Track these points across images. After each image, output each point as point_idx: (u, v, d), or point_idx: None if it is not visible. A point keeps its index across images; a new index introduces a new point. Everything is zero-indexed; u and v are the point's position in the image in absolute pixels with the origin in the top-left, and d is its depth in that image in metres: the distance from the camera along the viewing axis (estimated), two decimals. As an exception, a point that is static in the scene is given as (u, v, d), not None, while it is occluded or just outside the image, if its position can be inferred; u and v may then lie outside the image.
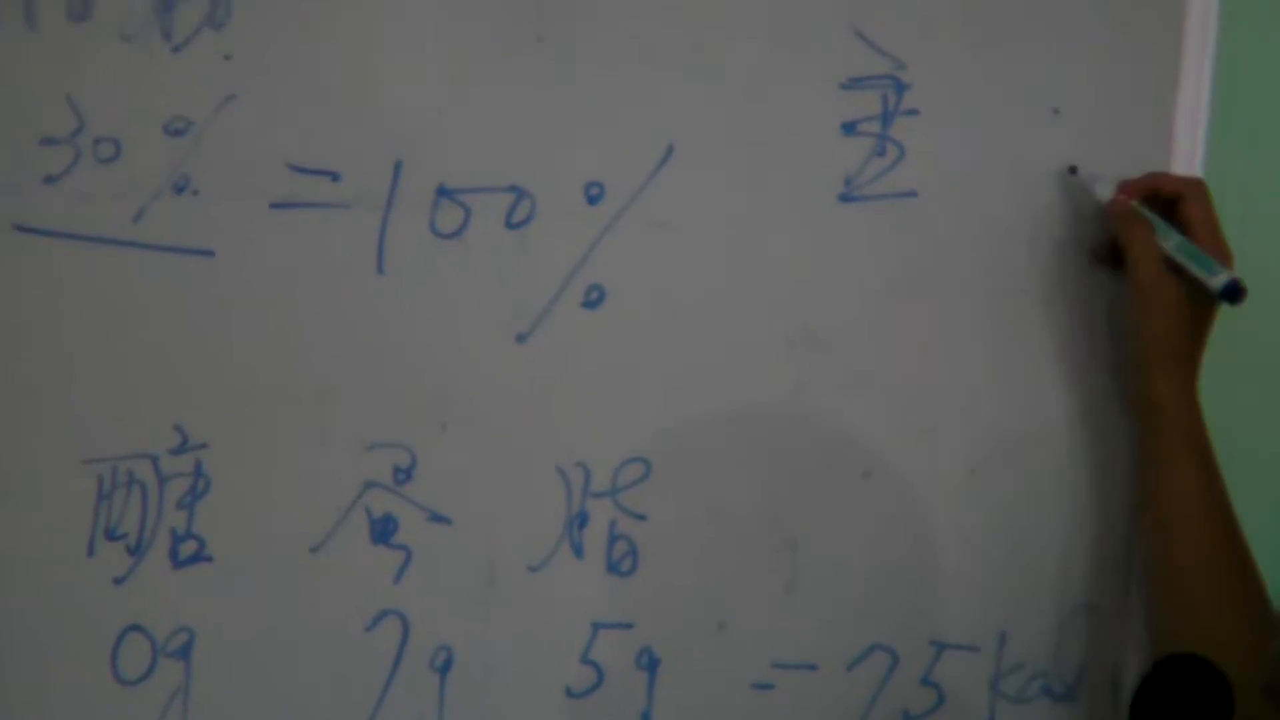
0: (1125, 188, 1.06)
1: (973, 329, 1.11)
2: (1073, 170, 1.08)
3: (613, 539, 1.10)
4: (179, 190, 1.08)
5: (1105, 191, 1.06)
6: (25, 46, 1.06)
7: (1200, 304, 1.04)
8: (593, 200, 1.09)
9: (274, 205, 1.08)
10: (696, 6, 1.08)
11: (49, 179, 1.07)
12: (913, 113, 1.10)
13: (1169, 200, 1.06)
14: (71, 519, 1.08)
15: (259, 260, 1.08)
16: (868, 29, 1.09)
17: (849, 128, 1.10)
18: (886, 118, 1.10)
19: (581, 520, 1.09)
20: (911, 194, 1.10)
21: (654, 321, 1.10)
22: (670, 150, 1.09)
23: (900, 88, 1.10)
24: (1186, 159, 1.12)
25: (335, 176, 1.08)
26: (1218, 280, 1.02)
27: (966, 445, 1.11)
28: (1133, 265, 1.04)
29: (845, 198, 1.10)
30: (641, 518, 1.10)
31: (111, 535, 1.08)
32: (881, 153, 1.10)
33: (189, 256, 1.08)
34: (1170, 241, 1.03)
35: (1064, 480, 1.12)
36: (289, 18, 1.07)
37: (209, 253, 1.08)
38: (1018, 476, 1.12)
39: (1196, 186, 1.05)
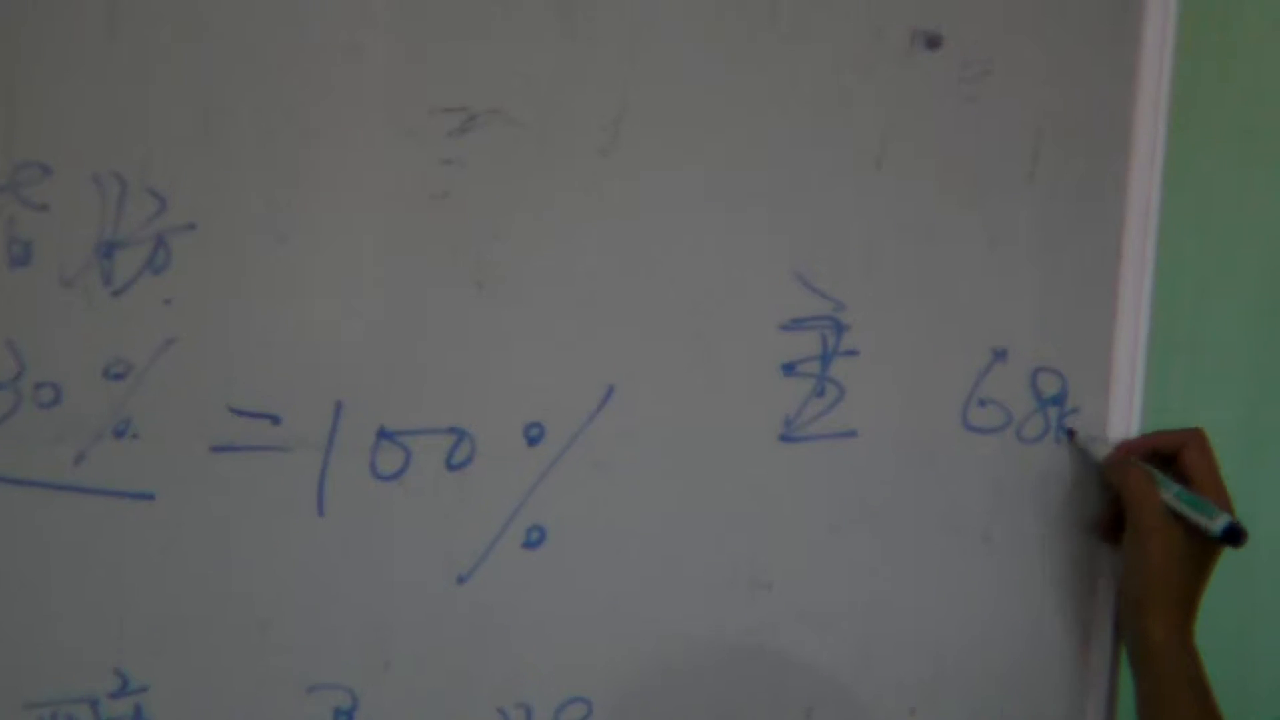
0: (1124, 447, 1.09)
1: (915, 568, 1.11)
2: (1070, 433, 1.09)
3: (554, 780, 1.10)
4: (119, 434, 1.08)
5: (1102, 451, 1.08)
6: (-35, 292, 1.06)
7: (1201, 548, 1.06)
8: (533, 441, 1.09)
9: (214, 449, 1.08)
10: (636, 247, 1.09)
11: (-11, 424, 1.07)
12: (852, 353, 1.10)
13: (1168, 456, 1.08)
14: (12, 764, 1.07)
15: (199, 503, 1.08)
16: (807, 271, 1.10)
17: (789, 368, 1.10)
18: (826, 358, 1.10)
19: (523, 761, 1.09)
20: (852, 434, 1.10)
21: (596, 562, 1.10)
22: (610, 391, 1.09)
23: (839, 328, 1.10)
24: (1126, 391, 1.12)
25: (275, 419, 1.08)
26: (1217, 524, 1.03)
27: (909, 682, 1.12)
28: (1133, 513, 1.06)
29: (786, 438, 1.10)
30: (583, 758, 1.10)
31: (52, 780, 1.08)
32: (821, 393, 1.10)
33: (129, 500, 1.08)
34: (1170, 491, 1.05)
35: (1008, 716, 1.12)
36: (228, 264, 1.07)
37: (149, 495, 1.08)
38: (960, 714, 1.12)
39: (1195, 436, 1.07)
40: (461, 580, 1.09)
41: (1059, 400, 1.14)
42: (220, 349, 1.08)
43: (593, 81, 1.08)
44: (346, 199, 1.07)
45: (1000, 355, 1.12)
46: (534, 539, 1.10)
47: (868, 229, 1.10)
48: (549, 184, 1.08)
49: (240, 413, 1.08)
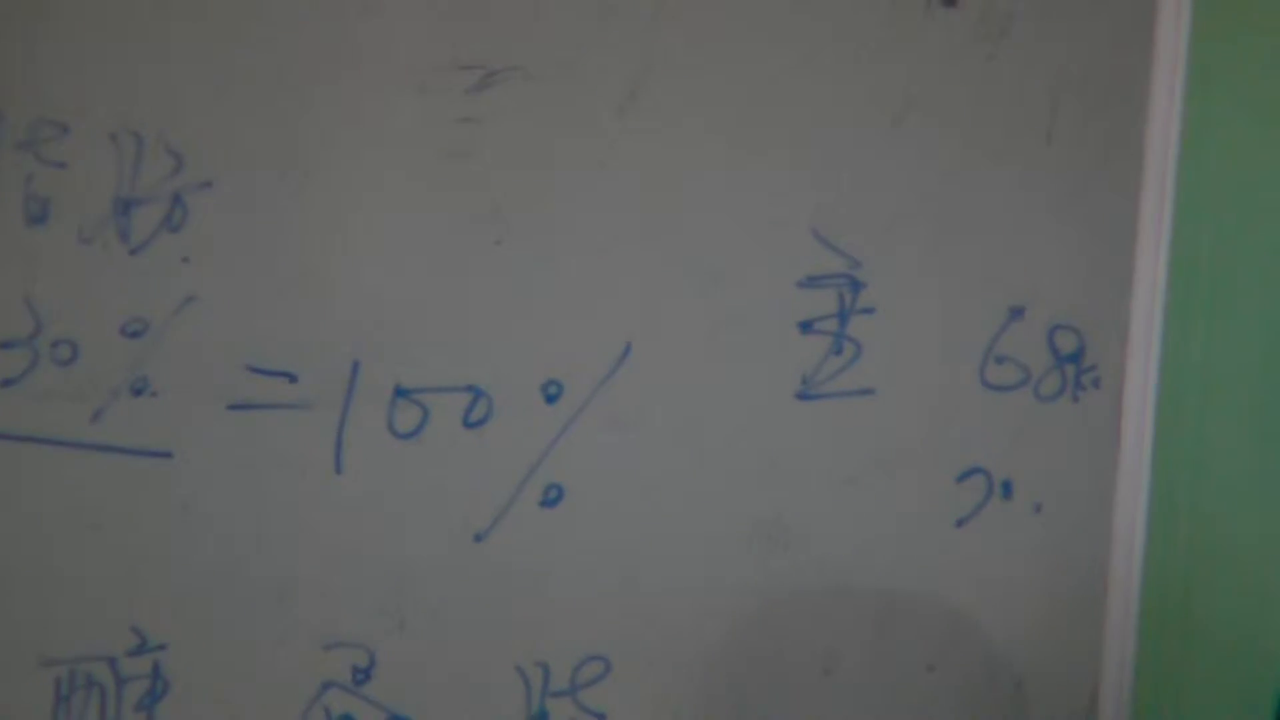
0: None
1: (933, 524, 1.11)
2: None
3: (572, 738, 1.10)
4: (137, 392, 1.07)
5: None
6: (-18, 249, 1.06)
7: None
8: (551, 399, 1.09)
9: (231, 406, 1.08)
10: (655, 206, 1.08)
11: (6, 382, 1.07)
12: (870, 311, 1.10)
13: None
14: (30, 721, 1.07)
15: (216, 461, 1.08)
16: (825, 229, 1.10)
17: (806, 326, 1.10)
18: (843, 316, 1.10)
19: (541, 719, 1.09)
20: (869, 391, 1.10)
21: (613, 519, 1.10)
22: (628, 348, 1.09)
23: (856, 286, 1.10)
24: (1143, 349, 1.12)
25: (293, 377, 1.08)
26: None
27: (928, 638, 1.11)
28: None
29: (803, 395, 1.10)
30: (601, 716, 1.10)
31: (70, 738, 1.08)
32: (839, 351, 1.10)
33: (147, 458, 1.08)
34: None
35: (1023, 673, 1.12)
36: (246, 221, 1.07)
37: (167, 454, 1.08)
38: (976, 669, 1.12)
39: None
40: (479, 538, 1.09)
41: (1076, 357, 1.13)
42: (238, 307, 1.08)
43: (613, 39, 1.07)
44: (365, 157, 1.07)
45: (1018, 313, 1.12)
46: (552, 497, 1.09)
47: (886, 187, 1.10)
48: (567, 141, 1.08)
49: (258, 371, 1.08)
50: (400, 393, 1.09)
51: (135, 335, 1.08)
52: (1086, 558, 1.15)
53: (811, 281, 1.10)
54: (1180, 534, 1.11)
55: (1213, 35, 1.11)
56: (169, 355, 1.08)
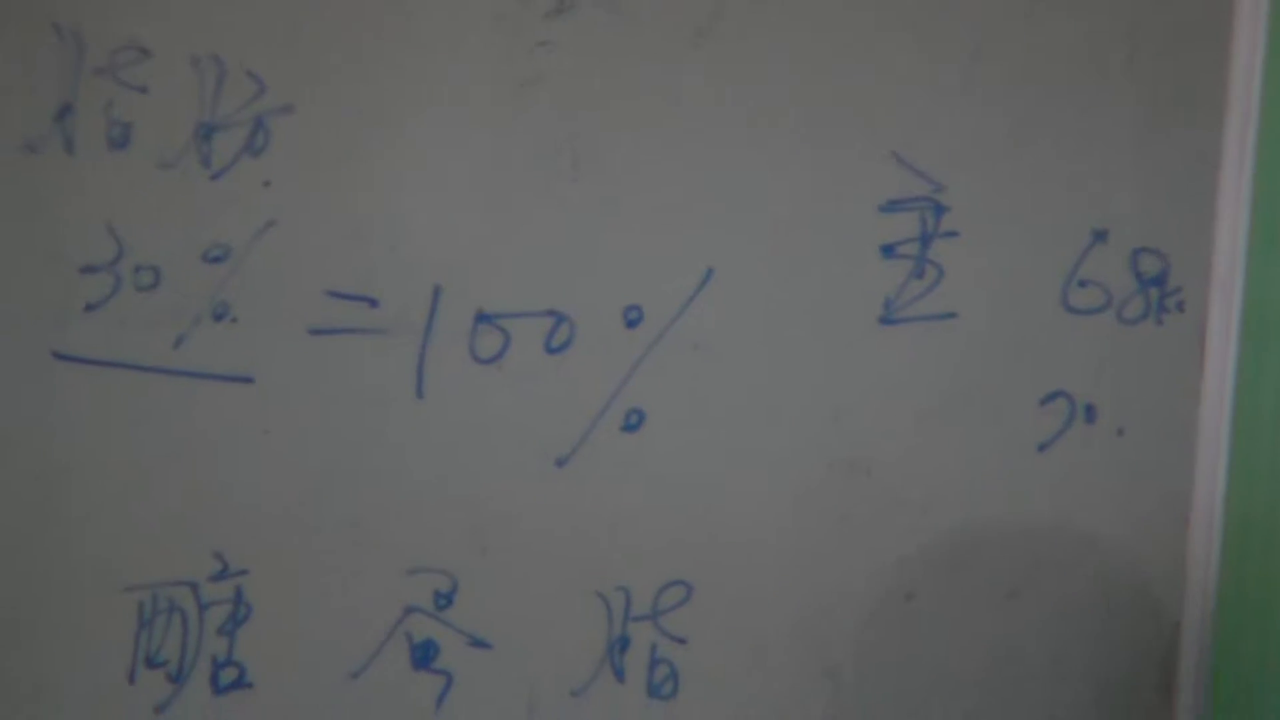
0: None
1: (1016, 451, 1.11)
2: None
3: (654, 663, 1.10)
4: (218, 317, 1.07)
5: None
6: (65, 174, 1.06)
7: None
8: (631, 324, 1.09)
9: (312, 331, 1.08)
10: (734, 133, 1.08)
11: (89, 307, 1.07)
12: (952, 234, 1.10)
13: None
14: (113, 646, 1.08)
15: (298, 387, 1.08)
16: (906, 152, 1.09)
17: (888, 250, 1.10)
18: (925, 239, 1.10)
19: (623, 644, 1.09)
20: (951, 315, 1.10)
21: (694, 445, 1.09)
22: (709, 273, 1.09)
23: (939, 210, 1.10)
24: (1228, 274, 1.12)
25: (374, 302, 1.08)
26: None
27: (1008, 565, 1.11)
28: None
29: (885, 320, 1.10)
30: (682, 641, 1.10)
31: (152, 663, 1.08)
32: (920, 274, 1.10)
33: (228, 383, 1.08)
34: None
35: (1105, 599, 1.12)
36: (328, 145, 1.07)
37: (248, 379, 1.08)
38: (1057, 598, 1.11)
39: None
40: (560, 463, 1.09)
41: (1160, 281, 1.13)
42: (319, 232, 1.08)
43: (691, -38, 1.07)
44: (442, 83, 1.07)
45: (1100, 236, 1.11)
46: (633, 422, 1.09)
47: (968, 111, 1.10)
48: (644, 69, 1.07)
49: (339, 295, 1.08)
50: (481, 318, 1.09)
51: (216, 260, 1.08)
52: (1169, 481, 1.14)
53: (893, 205, 1.09)
54: (1263, 457, 1.10)
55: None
56: (250, 280, 1.08)
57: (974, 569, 1.12)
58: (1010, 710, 1.13)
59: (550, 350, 1.09)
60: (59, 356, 1.07)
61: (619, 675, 1.09)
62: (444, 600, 1.09)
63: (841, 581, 1.11)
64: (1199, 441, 1.14)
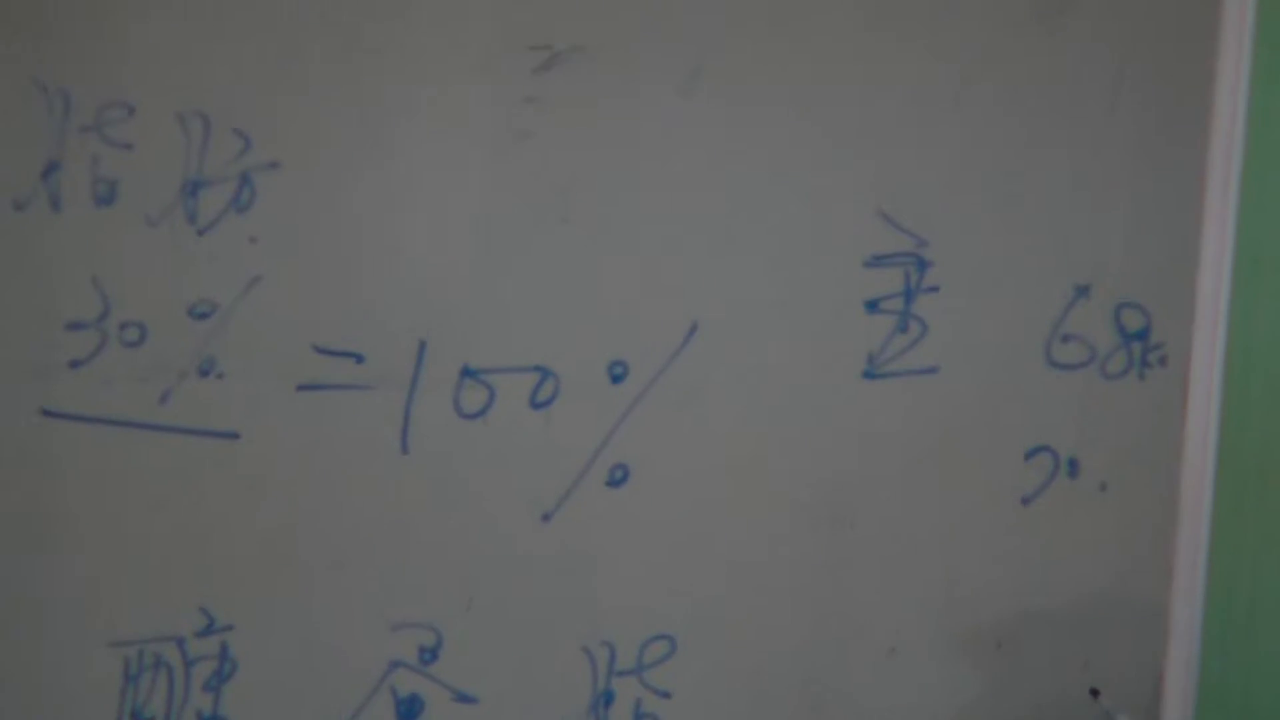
0: None
1: (999, 505, 1.11)
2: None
3: (638, 717, 1.10)
4: (204, 373, 1.08)
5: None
6: (51, 231, 1.06)
7: None
8: (616, 379, 1.09)
9: (299, 387, 1.08)
10: (721, 185, 1.09)
11: (75, 363, 1.07)
12: (934, 289, 1.10)
13: None
14: (99, 702, 1.08)
15: (284, 442, 1.08)
16: (890, 208, 1.10)
17: (872, 305, 1.10)
18: (909, 295, 1.10)
19: (607, 699, 1.10)
20: (935, 370, 1.10)
21: (678, 500, 1.10)
22: (694, 328, 1.09)
23: (922, 265, 1.10)
24: (1210, 329, 1.12)
25: (359, 358, 1.08)
26: None
27: (994, 619, 1.11)
28: None
29: (869, 374, 1.10)
30: (666, 695, 1.10)
31: (139, 718, 1.08)
32: (904, 329, 1.10)
33: (214, 439, 1.08)
34: None
35: (1089, 653, 1.12)
36: (313, 201, 1.07)
37: (234, 435, 1.08)
38: (1044, 650, 1.12)
39: None
40: (545, 518, 1.09)
41: (1143, 335, 1.13)
42: (305, 287, 1.08)
43: (676, 19, 1.07)
44: (431, 137, 1.07)
45: (1083, 291, 1.12)
46: (618, 477, 1.10)
47: (949, 165, 1.10)
48: (632, 121, 1.08)
49: (325, 351, 1.08)
50: (467, 373, 1.09)
51: (203, 316, 1.08)
52: (1152, 536, 1.15)
53: (877, 260, 1.10)
54: (1247, 513, 1.10)
55: None
56: (236, 336, 1.08)
57: (959, 622, 1.12)
58: (995, 761, 1.14)
59: (535, 405, 1.09)
60: (48, 413, 1.07)
61: (604, 729, 1.10)
62: (429, 655, 1.09)
63: (825, 634, 1.11)
64: (1182, 496, 1.14)
